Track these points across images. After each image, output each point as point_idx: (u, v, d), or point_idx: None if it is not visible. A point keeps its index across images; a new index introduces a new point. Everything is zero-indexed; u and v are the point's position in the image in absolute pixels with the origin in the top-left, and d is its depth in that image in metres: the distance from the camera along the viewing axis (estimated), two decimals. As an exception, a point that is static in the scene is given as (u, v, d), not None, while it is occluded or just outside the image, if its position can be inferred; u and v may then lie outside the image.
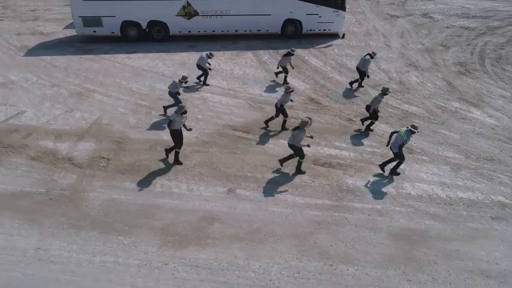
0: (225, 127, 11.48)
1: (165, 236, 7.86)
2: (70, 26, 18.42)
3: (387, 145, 9.51)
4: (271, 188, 9.21)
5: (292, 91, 11.11)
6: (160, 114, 11.99)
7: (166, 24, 17.28)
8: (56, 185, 9.09)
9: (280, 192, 9.09)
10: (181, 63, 15.69)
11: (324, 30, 18.28)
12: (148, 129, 11.30)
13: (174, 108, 10.19)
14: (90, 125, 11.43)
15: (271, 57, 16.40)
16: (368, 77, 13.78)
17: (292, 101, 11.68)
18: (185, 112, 9.40)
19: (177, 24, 17.29)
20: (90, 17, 16.62)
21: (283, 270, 7.21)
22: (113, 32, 17.19)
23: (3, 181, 9.21)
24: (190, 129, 10.04)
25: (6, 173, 9.49)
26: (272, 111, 12.33)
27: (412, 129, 8.95)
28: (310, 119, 9.24)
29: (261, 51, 16.98)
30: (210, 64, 14.24)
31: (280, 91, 13.61)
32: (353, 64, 15.84)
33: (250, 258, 7.41)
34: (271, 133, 11.27)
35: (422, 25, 20.35)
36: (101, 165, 9.76)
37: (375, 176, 9.67)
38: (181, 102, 11.49)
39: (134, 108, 12.32)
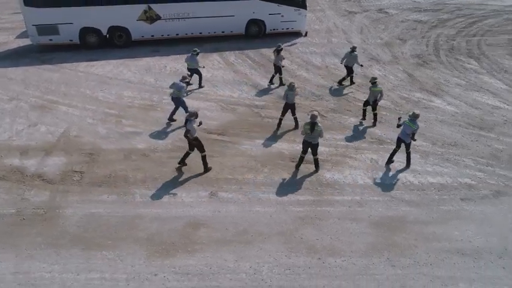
0: (199, 130, 11.23)
1: (151, 246, 7.71)
2: (23, 35, 17.54)
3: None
4: (252, 188, 9.28)
5: (295, 87, 11.10)
6: (167, 122, 11.69)
7: (127, 29, 16.86)
8: (28, 204, 8.65)
9: (263, 191, 9.17)
10: (146, 68, 15.38)
11: (287, 29, 18.61)
12: (120, 139, 11.00)
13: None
14: (58, 138, 10.95)
15: (237, 58, 16.46)
16: (362, 65, 14.09)
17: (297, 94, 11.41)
18: (197, 116, 9.27)
19: (139, 29, 16.92)
20: (45, 25, 15.89)
21: (273, 269, 7.31)
22: (71, 40, 16.56)
23: (-32, 204, 8.65)
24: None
25: (-30, 195, 8.91)
26: (244, 112, 12.42)
27: (414, 118, 9.36)
28: (315, 111, 9.65)
29: (227, 52, 16.99)
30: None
31: (249, 91, 13.73)
32: (318, 61, 16.30)
33: (240, 260, 7.45)
34: (247, 134, 11.32)
35: (379, 20, 21.21)
36: (74, 180, 9.39)
37: (351, 168, 9.99)
38: (187, 107, 11.39)
39: (103, 118, 11.94)
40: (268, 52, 16.94)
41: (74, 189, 9.11)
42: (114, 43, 17.01)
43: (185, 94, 11.41)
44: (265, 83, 14.28)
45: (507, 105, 13.00)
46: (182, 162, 9.75)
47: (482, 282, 7.12)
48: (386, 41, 18.44)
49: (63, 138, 10.95)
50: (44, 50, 16.61)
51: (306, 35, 18.91)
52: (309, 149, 9.59)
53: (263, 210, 8.65)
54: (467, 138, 11.24)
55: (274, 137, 11.20)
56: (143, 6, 16.56)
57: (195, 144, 9.39)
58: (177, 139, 10.98)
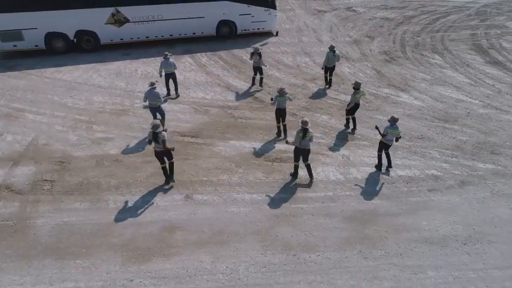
0: (173, 134, 11.36)
1: (126, 252, 7.67)
2: (-15, 41, 16.87)
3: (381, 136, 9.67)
4: (227, 189, 9.36)
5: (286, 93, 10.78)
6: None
7: (95, 33, 16.55)
8: (-4, 216, 8.42)
9: (237, 192, 9.26)
10: (117, 72, 15.16)
11: (258, 29, 18.74)
12: (91, 145, 10.83)
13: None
14: (26, 147, 10.67)
15: (209, 59, 16.46)
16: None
17: (291, 99, 11.13)
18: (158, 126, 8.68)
19: (108, 33, 16.65)
20: (8, 30, 15.39)
21: (250, 267, 7.41)
22: (37, 45, 16.10)
23: None
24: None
25: None
26: (217, 113, 12.47)
27: (394, 122, 9.38)
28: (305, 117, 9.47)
29: (198, 53, 16.97)
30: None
31: (221, 92, 13.78)
32: (290, 60, 16.52)
33: (216, 261, 7.51)
34: (220, 135, 11.38)
35: (348, 18, 21.67)
36: (45, 189, 9.18)
37: (323, 165, 10.22)
38: (164, 113, 11.17)
39: (73, 125, 11.71)
40: (240, 53, 17.05)
41: (44, 198, 8.91)
42: (82, 48, 16.66)
43: (162, 100, 10.87)
44: (238, 84, 14.36)
45: (469, 98, 13.60)
46: (168, 177, 9.35)
47: (449, 268, 7.47)
48: (355, 38, 18.88)
49: (32, 147, 10.68)
50: (9, 57, 16.09)
51: (277, 34, 19.11)
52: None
53: (238, 210, 8.74)
54: (433, 131, 11.70)
55: (248, 138, 11.30)
56: (111, 10, 16.31)
57: (166, 153, 8.99)
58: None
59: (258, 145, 11.00)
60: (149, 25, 17.00)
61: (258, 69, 13.68)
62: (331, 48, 13.42)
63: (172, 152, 9.09)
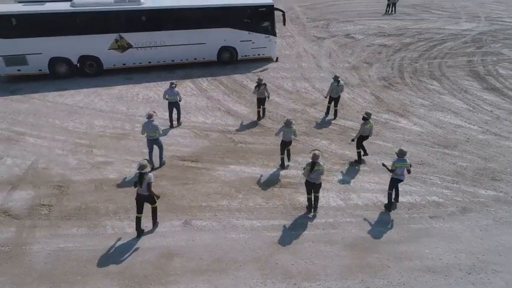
0: (173, 158, 11.36)
1: (123, 280, 7.50)
2: (-11, 65, 17.12)
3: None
4: (227, 215, 9.26)
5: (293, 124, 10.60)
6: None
7: (98, 58, 16.82)
8: (-8, 242, 8.28)
9: (237, 218, 9.16)
10: (118, 96, 15.30)
11: (258, 55, 19.06)
12: (91, 169, 10.79)
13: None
14: (25, 171, 10.64)
15: (210, 84, 16.66)
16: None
17: (295, 135, 10.81)
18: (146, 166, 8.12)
19: (111, 58, 16.92)
20: (13, 55, 15.65)
21: (249, 297, 7.24)
22: (40, 70, 16.34)
23: None
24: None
25: None
26: (218, 138, 12.50)
27: (403, 155, 8.97)
28: (318, 150, 8.99)
29: (199, 78, 17.18)
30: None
31: (222, 117, 13.86)
32: (289, 85, 16.71)
33: (215, 290, 7.34)
34: (220, 160, 11.36)
35: (346, 45, 22.07)
36: (42, 214, 9.09)
37: (323, 190, 10.10)
38: (162, 147, 10.82)
39: (73, 149, 11.72)
40: (241, 78, 17.28)
41: (41, 223, 8.80)
42: (85, 72, 16.90)
43: (161, 132, 10.58)
44: (238, 109, 14.47)
45: (468, 124, 13.67)
46: (140, 230, 8.55)
47: (453, 298, 7.29)
48: (353, 64, 19.17)
49: (31, 171, 10.64)
50: (12, 81, 16.28)
51: (277, 60, 19.42)
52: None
53: (237, 237, 8.61)
54: (433, 157, 11.69)
55: (248, 163, 11.28)
56: (114, 35, 16.63)
57: (149, 198, 8.35)
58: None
59: (258, 170, 10.96)
60: (151, 51, 17.29)
61: (262, 101, 13.39)
62: (336, 79, 13.21)
63: (155, 198, 8.45)
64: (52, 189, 9.92)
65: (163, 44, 17.30)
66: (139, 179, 8.03)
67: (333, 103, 13.73)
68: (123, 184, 10.19)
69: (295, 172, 10.88)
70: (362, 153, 11.31)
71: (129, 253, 8.10)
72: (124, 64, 17.27)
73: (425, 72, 18.27)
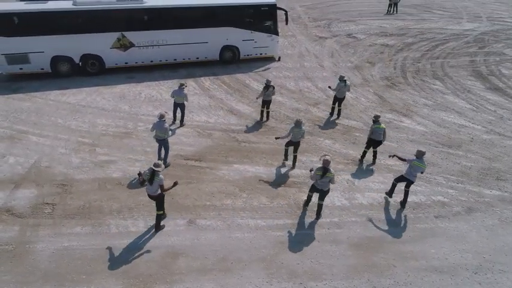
0: (176, 157, 11.31)
1: (128, 278, 7.45)
2: (-9, 64, 17.06)
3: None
4: (231, 214, 9.21)
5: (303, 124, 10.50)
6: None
7: (100, 57, 16.76)
8: (-5, 241, 8.23)
9: (241, 217, 9.11)
10: (121, 95, 15.24)
11: (261, 54, 19.02)
12: (94, 168, 10.73)
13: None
14: (28, 169, 10.58)
15: (213, 83, 16.61)
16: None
17: (303, 137, 10.75)
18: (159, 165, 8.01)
19: (113, 57, 16.85)
20: (15, 54, 15.58)
21: (255, 296, 7.19)
22: (43, 69, 16.27)
23: None
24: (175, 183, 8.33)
25: None
26: (221, 137, 12.46)
27: (421, 155, 8.88)
28: (328, 155, 8.86)
29: (202, 78, 17.13)
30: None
31: (225, 116, 13.81)
32: (292, 85, 16.67)
33: (220, 289, 7.30)
34: (224, 159, 11.32)
35: (348, 45, 22.04)
36: (45, 212, 9.03)
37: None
38: (168, 149, 10.72)
39: (76, 147, 11.66)
40: (243, 77, 17.23)
41: (45, 222, 8.75)
42: (87, 71, 16.84)
43: (170, 133, 10.54)
44: (241, 108, 14.42)
45: (472, 123, 13.63)
46: (159, 227, 8.62)
47: (460, 298, 7.25)
48: (356, 64, 19.13)
49: (34, 170, 10.58)
50: (14, 79, 16.22)
51: (279, 59, 19.38)
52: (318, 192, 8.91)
53: (242, 236, 8.57)
54: (437, 157, 11.65)
55: (251, 162, 11.24)
56: (117, 34, 16.57)
57: (157, 199, 8.31)
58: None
59: (261, 169, 10.92)
60: (154, 50, 17.23)
61: (268, 102, 13.28)
62: (342, 79, 13.16)
63: (160, 199, 8.31)
64: (55, 188, 9.86)
65: (165, 43, 17.23)
66: (151, 176, 7.94)
67: (337, 103, 13.68)
68: (126, 183, 10.13)
69: (299, 172, 10.84)
70: (365, 155, 11.22)
71: (133, 252, 8.05)
72: (126, 63, 17.21)
73: (428, 72, 18.23)
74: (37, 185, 9.94)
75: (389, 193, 9.72)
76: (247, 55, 18.81)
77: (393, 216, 9.27)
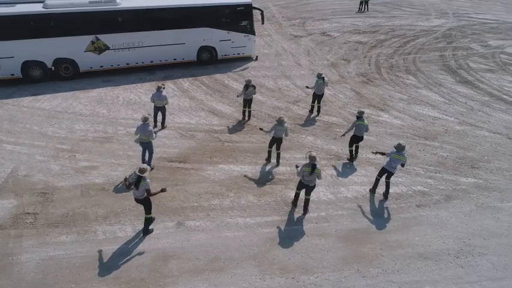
0: (160, 160, 11.20)
1: (119, 284, 7.34)
2: (-43, 71, 16.30)
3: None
4: (220, 213, 9.23)
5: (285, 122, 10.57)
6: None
7: (74, 61, 16.33)
8: (-24, 254, 7.91)
9: (230, 216, 9.15)
10: (98, 100, 14.91)
11: (238, 54, 19.04)
12: (75, 175, 10.48)
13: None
14: (5, 179, 10.19)
15: (191, 85, 16.52)
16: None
17: (287, 135, 10.85)
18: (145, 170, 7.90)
19: (87, 60, 16.45)
20: (-17, 60, 14.98)
21: (249, 293, 7.25)
22: (13, 74, 15.69)
23: None
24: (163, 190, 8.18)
25: None
26: (204, 138, 12.43)
27: (401, 150, 9.10)
28: (313, 151, 8.93)
29: (180, 79, 17.00)
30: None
31: (206, 117, 13.79)
32: (271, 84, 16.81)
33: (214, 289, 7.32)
34: (208, 159, 11.30)
35: (323, 42, 22.42)
36: (27, 222, 8.75)
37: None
38: (152, 152, 10.55)
39: (55, 154, 11.33)
40: (222, 78, 17.23)
41: (28, 232, 8.48)
42: (61, 75, 16.37)
43: (154, 136, 10.31)
44: (222, 108, 14.43)
45: (445, 115, 14.20)
46: (147, 231, 8.55)
47: (445, 282, 7.58)
48: (332, 61, 19.50)
49: (11, 179, 10.22)
50: (-18, 86, 15.58)
51: (256, 59, 19.48)
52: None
53: (233, 235, 8.61)
54: (415, 148, 12.08)
55: (236, 161, 11.28)
56: (90, 37, 16.19)
57: (145, 203, 8.22)
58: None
59: (246, 168, 10.98)
60: (130, 52, 16.95)
61: (248, 101, 13.33)
62: (320, 76, 13.34)
63: (147, 202, 8.21)
64: (36, 197, 9.57)
65: (141, 45, 16.99)
66: (137, 181, 7.83)
67: (316, 100, 13.91)
68: (110, 188, 9.96)
69: (283, 169, 10.97)
70: (353, 154, 11.42)
71: (123, 257, 7.94)
72: (101, 66, 16.84)
73: (401, 67, 18.82)
74: (16, 195, 9.61)
75: (373, 189, 9.93)
76: (225, 55, 18.80)
77: (377, 208, 9.55)
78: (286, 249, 8.26)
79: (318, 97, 13.82)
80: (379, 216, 9.28)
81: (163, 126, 13.01)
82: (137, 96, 15.21)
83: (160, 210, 9.23)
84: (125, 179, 8.05)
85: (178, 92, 15.82)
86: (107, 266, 7.72)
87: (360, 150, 11.69)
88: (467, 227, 9.00)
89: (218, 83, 16.73)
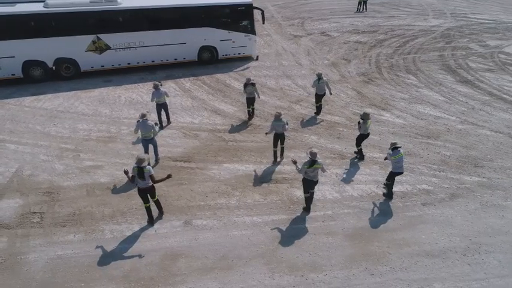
0: (164, 159, 11.19)
1: (129, 283, 7.33)
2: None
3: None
4: (226, 212, 9.24)
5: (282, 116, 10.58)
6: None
7: (75, 60, 16.29)
8: (-17, 254, 7.87)
9: (237, 215, 9.16)
10: (100, 99, 14.88)
11: (239, 54, 19.08)
12: (80, 174, 10.45)
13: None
14: (10, 179, 10.15)
15: (193, 84, 16.52)
16: (331, 94, 13.88)
17: (286, 129, 10.81)
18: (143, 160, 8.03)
19: (88, 60, 16.43)
20: (-17, 59, 14.90)
21: (259, 292, 7.27)
22: (14, 74, 15.63)
23: None
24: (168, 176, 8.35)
25: None
26: (207, 137, 12.43)
27: (394, 147, 9.21)
28: (314, 148, 8.87)
29: (181, 79, 17.00)
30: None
31: (209, 116, 13.80)
32: (273, 83, 16.84)
33: (224, 287, 7.32)
34: (213, 159, 11.31)
35: (323, 42, 22.49)
36: (34, 222, 8.71)
37: (318, 184, 10.21)
38: (156, 145, 10.67)
39: (59, 154, 11.29)
40: (223, 77, 17.24)
41: (35, 232, 8.44)
42: (62, 75, 16.31)
43: (157, 129, 10.41)
44: (225, 108, 14.44)
45: (447, 115, 14.29)
46: (151, 219, 8.75)
47: (453, 280, 7.63)
48: (332, 61, 19.56)
49: (16, 179, 10.17)
50: (-17, 86, 15.49)
51: (257, 59, 19.50)
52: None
53: (240, 234, 8.62)
54: (418, 147, 12.15)
55: (241, 160, 11.29)
56: (91, 37, 16.16)
57: (150, 191, 8.42)
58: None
59: (252, 167, 10.99)
60: (131, 52, 16.93)
61: (251, 100, 13.30)
62: (319, 76, 13.32)
63: (152, 190, 8.41)
64: (41, 196, 9.53)
65: (142, 45, 16.99)
66: (139, 172, 7.92)
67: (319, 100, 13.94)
68: (116, 187, 9.94)
69: (288, 168, 10.99)
70: (362, 152, 11.47)
71: (131, 256, 7.93)
72: (102, 66, 16.83)
73: (401, 67, 18.92)
74: (22, 194, 9.57)
75: (389, 195, 9.78)
76: (226, 55, 18.83)
77: (383, 206, 9.60)
78: (294, 247, 8.29)
79: (319, 97, 13.85)
80: (385, 215, 9.32)
81: (168, 122, 13.02)
82: (139, 96, 15.19)
83: (167, 209, 9.23)
84: (125, 172, 8.11)
85: (180, 91, 15.81)
86: (116, 265, 7.71)
87: (364, 150, 11.74)
88: (472, 225, 9.06)
89: (220, 83, 16.73)
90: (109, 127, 12.89)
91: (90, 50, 16.35)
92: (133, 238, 8.39)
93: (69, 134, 12.41)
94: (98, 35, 16.24)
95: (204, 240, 8.42)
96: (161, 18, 17.00)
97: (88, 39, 16.16)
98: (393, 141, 9.46)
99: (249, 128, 13.06)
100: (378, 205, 9.62)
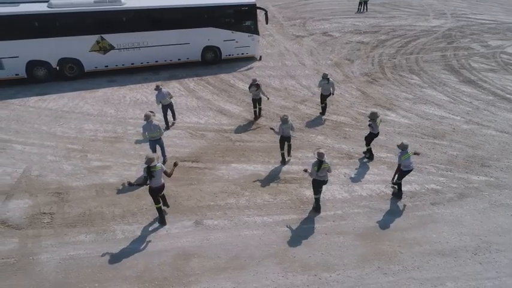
0: (172, 159, 11.11)
1: (143, 283, 7.32)
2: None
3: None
4: (237, 212, 9.24)
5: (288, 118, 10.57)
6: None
7: (79, 60, 16.24)
8: (-6, 254, 7.83)
9: (247, 215, 9.16)
10: (104, 100, 14.84)
11: (242, 54, 19.09)
12: (88, 174, 10.42)
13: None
14: (18, 179, 10.11)
15: (197, 84, 16.50)
16: (333, 94, 13.76)
17: (293, 129, 10.94)
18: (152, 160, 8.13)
19: (92, 60, 16.38)
20: (-13, 59, 14.83)
21: (273, 291, 7.27)
22: (17, 74, 15.56)
23: None
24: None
25: None
26: (214, 137, 12.43)
27: (404, 148, 9.31)
28: (321, 148, 8.85)
29: (185, 79, 16.98)
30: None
31: (215, 116, 13.79)
32: (277, 83, 16.85)
33: (238, 286, 7.32)
34: (221, 159, 11.30)
35: (326, 43, 22.52)
36: (44, 222, 8.68)
37: (327, 184, 10.25)
38: (164, 147, 10.73)
39: (66, 154, 11.25)
40: (227, 77, 17.24)
41: (46, 232, 8.41)
42: (66, 75, 16.25)
43: (163, 132, 10.45)
44: (230, 108, 14.44)
45: (452, 115, 14.34)
46: (163, 219, 8.76)
47: (465, 279, 7.66)
48: (335, 61, 19.60)
49: (24, 179, 10.13)
50: (-14, 86, 15.41)
51: (260, 59, 19.51)
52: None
53: (251, 234, 8.62)
54: (424, 147, 12.19)
55: (249, 160, 11.29)
56: (95, 37, 16.12)
57: (163, 188, 8.52)
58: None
59: (259, 167, 11.00)
60: (134, 52, 16.91)
61: (257, 101, 13.33)
62: (325, 76, 13.27)
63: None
64: (51, 197, 9.49)
65: (146, 45, 16.97)
66: (149, 172, 7.98)
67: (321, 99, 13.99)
68: (125, 188, 9.91)
69: (297, 168, 11.00)
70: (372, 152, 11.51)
71: (144, 256, 7.91)
72: (106, 66, 16.79)
73: (404, 67, 18.98)
74: (31, 195, 9.54)
75: (399, 194, 9.85)
76: (229, 55, 18.83)
77: (393, 206, 9.63)
78: (306, 247, 8.30)
79: (324, 97, 13.88)
80: (395, 214, 9.35)
81: (174, 120, 13.10)
82: (144, 96, 15.17)
83: (177, 209, 9.22)
84: (129, 184, 8.33)
85: (185, 91, 15.79)
86: (129, 265, 7.69)
87: (371, 149, 11.78)
88: (482, 224, 9.10)
89: (224, 83, 16.73)
90: (115, 127, 12.86)
91: (94, 50, 16.31)
92: (144, 238, 8.38)
93: (76, 134, 12.37)
94: (102, 35, 16.21)
95: (216, 240, 8.42)
96: (165, 18, 16.98)
97: (92, 39, 16.12)
98: (405, 143, 9.39)
99: (255, 128, 13.07)
100: (388, 205, 9.64)
